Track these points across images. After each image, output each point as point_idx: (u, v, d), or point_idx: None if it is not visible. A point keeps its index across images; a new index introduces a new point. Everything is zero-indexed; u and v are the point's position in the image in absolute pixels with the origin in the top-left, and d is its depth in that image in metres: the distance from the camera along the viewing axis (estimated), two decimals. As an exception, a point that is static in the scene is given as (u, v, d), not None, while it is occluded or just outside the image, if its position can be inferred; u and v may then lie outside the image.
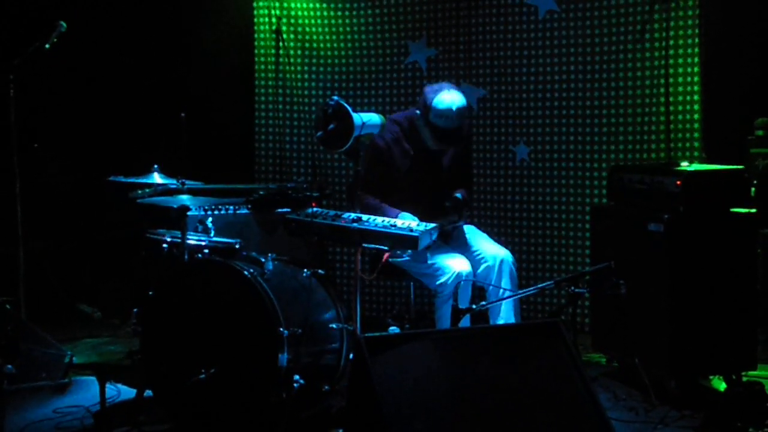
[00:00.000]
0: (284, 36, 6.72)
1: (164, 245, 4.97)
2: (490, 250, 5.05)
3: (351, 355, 4.43)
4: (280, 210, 5.23)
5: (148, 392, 4.62)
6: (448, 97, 4.94)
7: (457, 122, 4.97)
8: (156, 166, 5.44)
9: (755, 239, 4.96)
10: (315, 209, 4.77)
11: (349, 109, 4.60)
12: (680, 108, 5.83)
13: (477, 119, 6.33)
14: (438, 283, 4.86)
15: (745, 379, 4.82)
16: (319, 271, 4.76)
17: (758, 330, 4.95)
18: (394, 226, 4.48)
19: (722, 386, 4.88)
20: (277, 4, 6.73)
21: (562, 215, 6.23)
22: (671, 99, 5.81)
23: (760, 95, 6.05)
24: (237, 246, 4.84)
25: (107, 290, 6.79)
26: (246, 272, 4.38)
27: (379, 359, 3.40)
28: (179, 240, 4.80)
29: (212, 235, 5.03)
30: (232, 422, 4.33)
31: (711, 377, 4.97)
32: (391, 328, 4.37)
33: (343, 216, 4.62)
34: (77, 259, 6.94)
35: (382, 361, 3.41)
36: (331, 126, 4.58)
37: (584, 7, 6.06)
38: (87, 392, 5.00)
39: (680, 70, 5.81)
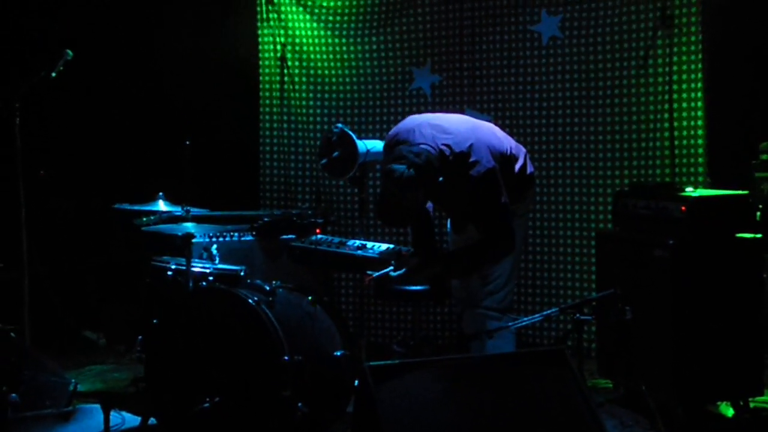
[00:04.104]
0: (289, 63, 6.75)
1: (169, 272, 4.98)
2: None
3: (356, 383, 4.41)
4: (284, 236, 5.23)
5: (153, 420, 4.61)
6: None
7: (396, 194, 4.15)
8: (161, 193, 5.46)
9: (761, 264, 4.94)
10: (319, 236, 4.77)
11: (354, 136, 4.61)
12: (684, 133, 5.84)
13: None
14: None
15: (752, 404, 4.79)
16: (324, 298, 4.75)
17: (764, 355, 4.93)
18: (399, 252, 4.47)
19: (730, 412, 4.85)
20: (282, 32, 6.76)
21: (567, 240, 6.22)
22: (675, 124, 5.81)
23: (764, 119, 6.04)
24: (242, 273, 4.84)
25: (112, 317, 6.78)
26: (250, 300, 4.38)
27: (384, 387, 3.39)
28: (184, 267, 4.80)
29: (217, 262, 5.03)
30: (237, 450, 4.31)
31: (718, 403, 4.94)
32: (396, 349, 4.33)
33: (347, 243, 4.62)
34: (82, 286, 6.94)
35: (388, 389, 3.40)
36: (336, 153, 4.60)
37: (587, 33, 6.08)
38: (91, 420, 4.98)
39: (684, 95, 5.82)
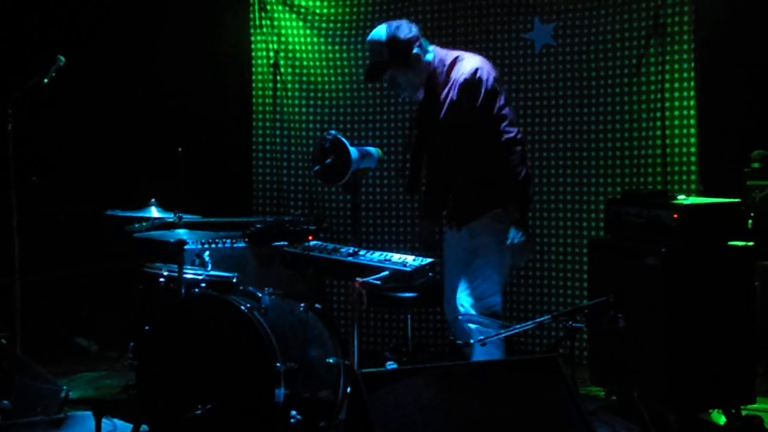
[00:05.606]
0: (282, 70, 6.75)
1: (161, 279, 4.97)
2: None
3: (348, 390, 4.41)
4: (277, 243, 5.21)
5: (144, 427, 4.60)
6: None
7: (371, 57, 4.65)
8: (153, 200, 5.45)
9: (753, 272, 4.96)
10: (313, 242, 4.76)
11: (347, 143, 4.60)
12: (677, 141, 5.86)
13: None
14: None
15: (744, 412, 4.80)
16: (316, 305, 4.74)
17: (756, 362, 4.94)
18: (389, 260, 4.45)
19: (722, 420, 4.86)
20: (275, 38, 6.77)
21: (559, 248, 6.22)
22: (668, 132, 5.83)
23: (756, 127, 6.07)
24: (234, 280, 4.83)
25: (104, 324, 6.77)
26: (243, 307, 4.38)
27: (376, 395, 3.39)
28: (176, 274, 4.79)
29: (209, 268, 5.02)
30: (229, 458, 4.30)
31: (710, 411, 4.95)
32: (389, 363, 4.33)
33: (340, 250, 4.61)
34: (74, 293, 6.93)
35: (380, 397, 3.39)
36: (329, 160, 4.58)
37: (580, 41, 6.09)
38: (83, 427, 4.96)
39: (676, 103, 5.84)
